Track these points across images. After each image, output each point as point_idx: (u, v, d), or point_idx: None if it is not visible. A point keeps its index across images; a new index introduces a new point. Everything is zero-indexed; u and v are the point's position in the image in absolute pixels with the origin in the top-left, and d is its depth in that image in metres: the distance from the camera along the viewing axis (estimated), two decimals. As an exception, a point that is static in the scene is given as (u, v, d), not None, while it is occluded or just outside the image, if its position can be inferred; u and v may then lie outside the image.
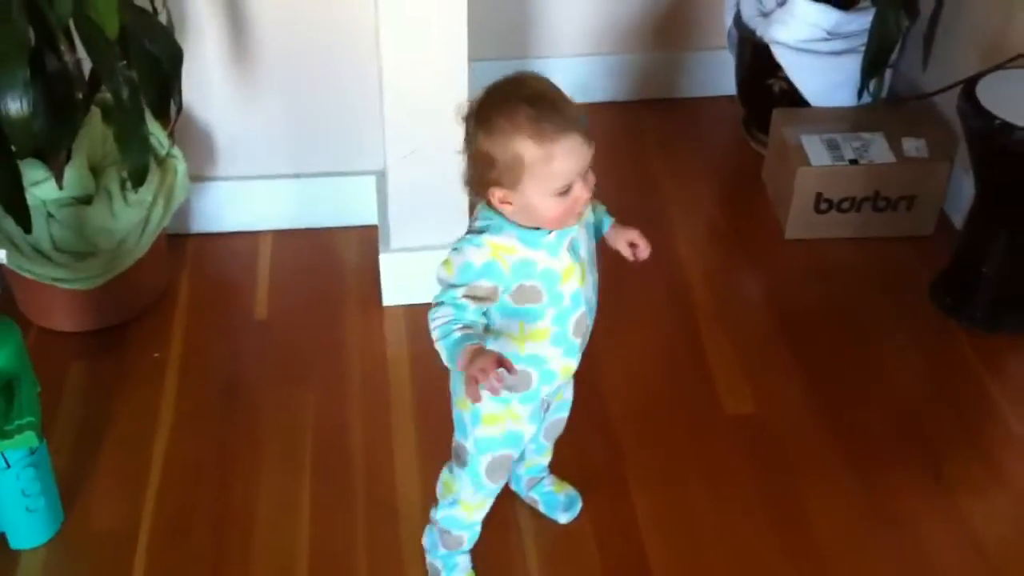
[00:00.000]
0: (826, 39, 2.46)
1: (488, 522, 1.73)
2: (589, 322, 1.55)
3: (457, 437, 1.63)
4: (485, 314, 1.48)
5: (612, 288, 2.23)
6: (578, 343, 1.54)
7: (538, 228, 1.43)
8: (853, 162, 2.37)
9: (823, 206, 2.41)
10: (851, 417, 2.03)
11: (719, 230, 2.51)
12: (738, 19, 2.61)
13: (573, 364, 1.57)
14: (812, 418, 2.03)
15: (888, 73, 2.55)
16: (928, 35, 2.49)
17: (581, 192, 1.39)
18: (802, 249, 2.43)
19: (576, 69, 2.80)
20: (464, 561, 1.75)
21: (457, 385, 1.59)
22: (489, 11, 2.61)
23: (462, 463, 1.64)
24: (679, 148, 2.72)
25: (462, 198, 2.13)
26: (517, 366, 1.47)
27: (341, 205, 2.42)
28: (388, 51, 1.99)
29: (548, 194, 1.37)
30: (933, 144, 2.41)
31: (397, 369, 2.11)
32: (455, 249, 1.44)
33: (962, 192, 2.37)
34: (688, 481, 1.92)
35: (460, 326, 1.40)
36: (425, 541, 1.77)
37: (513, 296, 1.46)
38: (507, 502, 1.85)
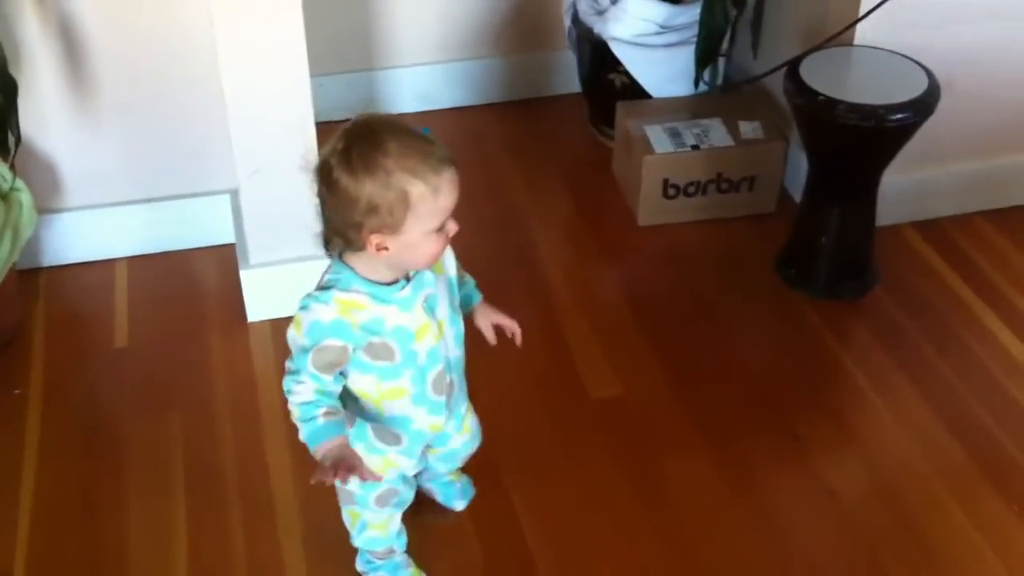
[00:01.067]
0: (660, 32, 2.56)
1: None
2: (451, 378, 1.54)
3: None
4: (343, 373, 1.45)
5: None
6: (442, 401, 1.53)
7: (391, 283, 1.42)
8: (695, 148, 2.47)
9: (671, 192, 2.50)
10: (708, 391, 2.12)
11: (574, 225, 2.58)
12: (576, 18, 2.69)
13: (439, 421, 1.56)
14: (672, 396, 2.11)
15: (721, 62, 2.66)
16: (755, 23, 2.61)
17: (452, 227, 1.39)
18: (655, 235, 2.52)
19: (420, 78, 2.84)
20: (403, 558, 1.75)
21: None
22: (329, 25, 2.64)
23: (350, 501, 1.64)
24: (527, 149, 2.78)
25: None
26: (385, 427, 1.50)
27: (196, 226, 2.41)
28: (228, 71, 2.00)
29: (430, 231, 1.35)
30: (768, 125, 2.53)
31: (267, 384, 2.11)
32: (302, 308, 1.41)
33: (799, 169, 2.49)
34: (559, 467, 1.97)
35: (323, 410, 1.40)
36: (360, 567, 1.75)
37: (366, 351, 1.44)
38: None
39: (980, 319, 2.29)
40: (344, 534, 1.73)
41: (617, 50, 2.58)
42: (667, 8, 2.55)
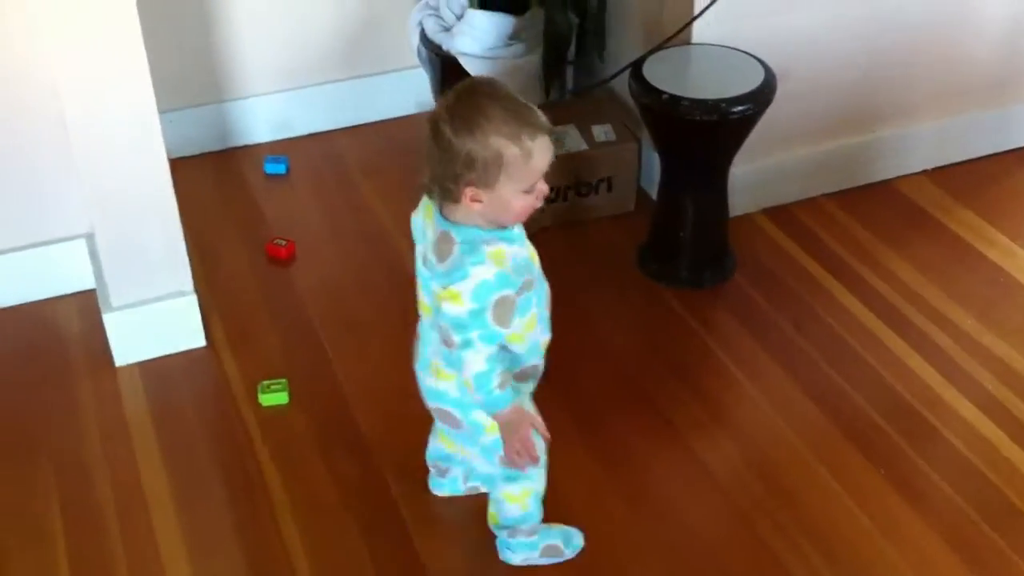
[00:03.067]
0: (507, 45, 2.61)
1: (249, 521, 1.81)
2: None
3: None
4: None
5: (346, 322, 2.32)
6: (548, 314, 1.63)
7: (502, 228, 1.50)
8: (551, 154, 2.53)
9: (531, 200, 2.55)
10: (579, 384, 2.16)
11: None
12: (424, 36, 2.72)
13: (549, 336, 1.65)
14: (548, 399, 2.13)
15: (570, 69, 2.74)
16: (598, 29, 2.69)
17: (543, 188, 1.49)
18: (520, 243, 2.56)
19: (274, 106, 2.84)
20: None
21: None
22: (175, 59, 2.61)
23: (530, 474, 1.68)
24: (387, 169, 2.79)
25: (176, 246, 2.14)
26: (521, 364, 1.59)
27: (53, 274, 2.34)
28: (73, 115, 1.96)
29: (520, 191, 1.45)
30: (619, 127, 2.60)
31: (140, 426, 2.07)
32: (460, 278, 1.45)
33: (653, 167, 2.57)
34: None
35: (497, 380, 1.50)
36: (514, 556, 1.79)
37: (521, 291, 1.52)
38: (274, 497, 1.86)
39: (832, 294, 2.40)
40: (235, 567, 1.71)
41: (467, 65, 2.63)
42: (512, 20, 2.60)
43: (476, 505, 1.89)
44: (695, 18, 2.30)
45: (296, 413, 2.10)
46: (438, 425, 1.75)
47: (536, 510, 1.76)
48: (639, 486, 1.97)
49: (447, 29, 2.66)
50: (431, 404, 1.68)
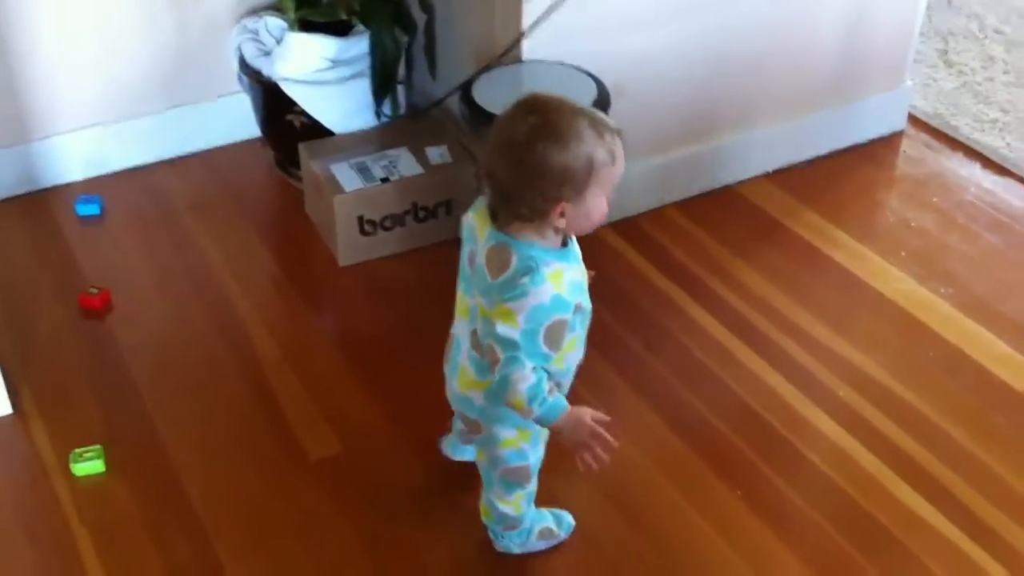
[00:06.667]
0: (331, 67, 2.47)
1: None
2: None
3: (515, 464, 1.66)
4: None
5: (170, 377, 2.15)
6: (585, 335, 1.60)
7: (562, 246, 1.47)
8: (385, 180, 2.40)
9: (367, 228, 2.42)
10: (436, 425, 2.05)
11: (273, 275, 2.45)
12: (243, 62, 2.56)
13: (582, 356, 1.63)
14: (399, 439, 2.03)
15: (401, 89, 2.61)
16: (428, 47, 2.57)
17: (611, 192, 1.46)
18: (358, 274, 2.43)
19: (87, 142, 2.63)
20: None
21: (504, 422, 1.60)
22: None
23: (528, 476, 1.69)
24: (214, 202, 2.63)
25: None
26: (561, 381, 1.58)
27: None
28: None
29: (604, 196, 1.43)
30: (455, 148, 2.49)
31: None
32: (518, 296, 1.41)
33: (493, 187, 2.47)
34: (285, 537, 1.84)
35: (548, 386, 1.46)
36: (512, 545, 1.79)
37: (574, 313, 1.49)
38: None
39: (682, 308, 2.34)
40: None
41: (290, 90, 2.48)
42: (335, 42, 2.46)
43: None
44: (523, 36, 2.21)
45: (116, 483, 1.93)
46: None
47: (528, 509, 1.76)
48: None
49: (267, 53, 2.51)
50: (457, 406, 1.68)
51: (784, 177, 2.74)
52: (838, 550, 1.84)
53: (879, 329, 2.30)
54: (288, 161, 2.65)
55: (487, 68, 2.22)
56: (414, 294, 2.38)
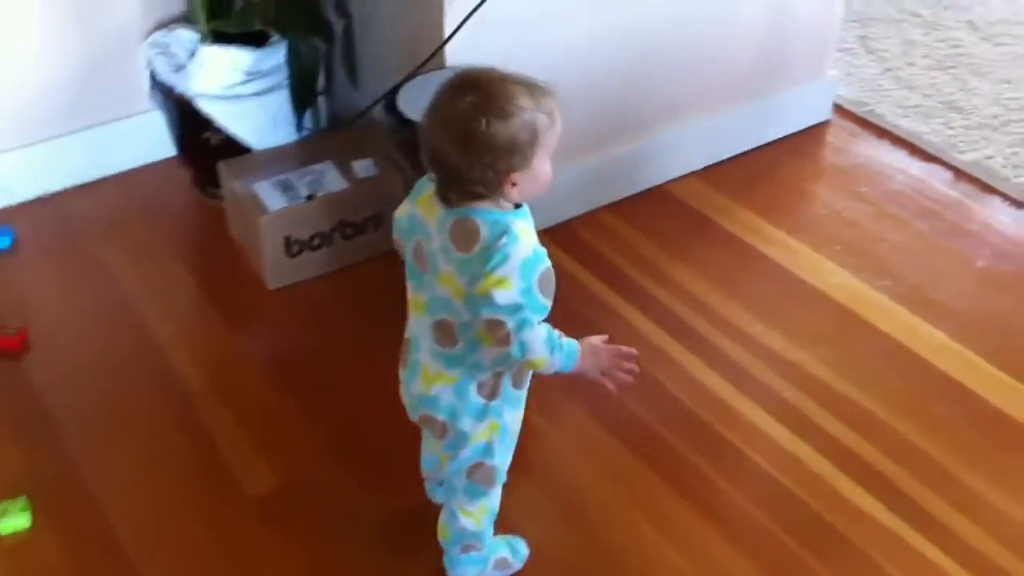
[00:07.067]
0: (248, 81, 2.39)
1: None
2: None
3: (480, 460, 1.61)
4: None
5: (94, 416, 2.05)
6: None
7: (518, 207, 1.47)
8: (310, 198, 2.33)
9: (295, 248, 2.34)
10: (374, 449, 1.99)
11: (197, 301, 2.36)
12: (155, 78, 2.46)
13: None
14: (336, 467, 1.96)
15: (323, 100, 2.54)
16: (347, 55, 2.50)
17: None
18: (288, 296, 2.35)
19: (-7, 170, 2.51)
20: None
21: (473, 415, 1.56)
22: None
23: (494, 480, 1.64)
24: (132, 226, 2.52)
25: None
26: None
27: None
28: None
29: (548, 158, 1.43)
30: (382, 160, 2.43)
31: None
32: (500, 261, 1.40)
33: (422, 198, 2.41)
34: (224, 578, 1.78)
35: (558, 332, 1.48)
36: (468, 573, 1.74)
37: None
38: None
39: (618, 312, 2.31)
40: None
41: (205, 107, 2.39)
42: (250, 54, 2.38)
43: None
44: (445, 42, 2.15)
45: (45, 537, 1.82)
46: (426, 435, 1.74)
47: (488, 528, 1.72)
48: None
49: (179, 69, 2.41)
50: (420, 413, 1.61)
51: (714, 173, 2.73)
52: (787, 551, 1.83)
53: (817, 325, 2.30)
54: (208, 181, 2.55)
55: (410, 77, 2.15)
56: (347, 314, 2.31)
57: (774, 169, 2.77)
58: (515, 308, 1.42)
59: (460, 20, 2.13)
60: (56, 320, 2.26)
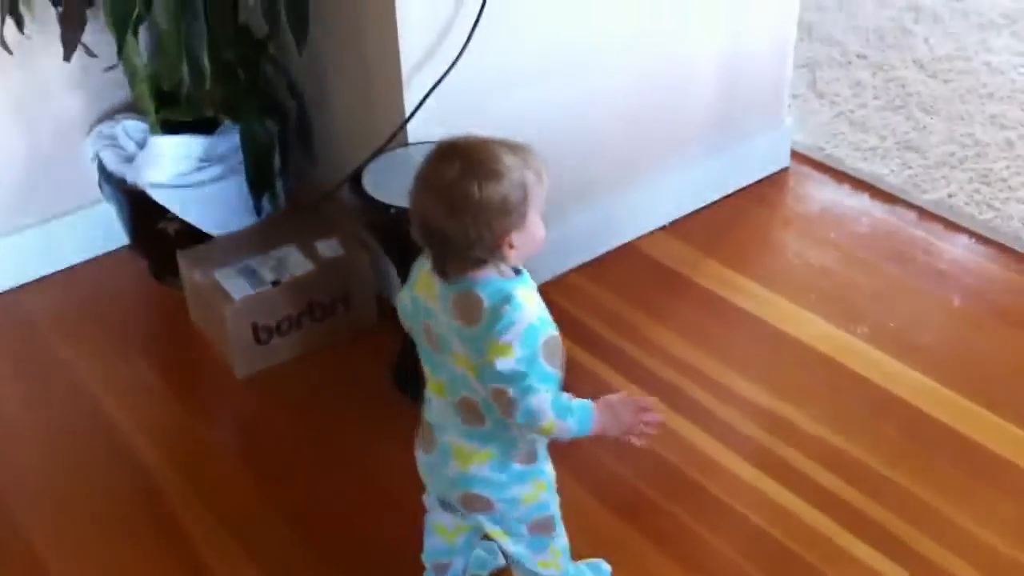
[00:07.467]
0: (201, 167, 2.32)
1: None
2: None
3: (536, 515, 1.58)
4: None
5: (61, 523, 1.95)
6: None
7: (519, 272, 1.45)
8: (276, 283, 2.25)
9: (263, 336, 2.26)
10: (359, 546, 1.91)
11: (164, 396, 2.26)
12: (104, 170, 2.38)
13: None
14: (316, 561, 1.88)
15: (280, 181, 2.47)
16: (303, 134, 2.45)
17: None
18: (259, 385, 2.27)
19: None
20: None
21: (517, 480, 1.54)
22: None
23: (553, 525, 1.62)
24: (86, 321, 2.43)
25: None
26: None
27: None
28: None
29: (539, 215, 1.41)
30: (347, 239, 2.36)
31: None
32: (503, 329, 1.37)
33: (391, 273, 2.35)
34: None
35: (566, 396, 1.43)
36: None
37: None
38: None
39: (594, 372, 2.26)
40: None
41: (159, 196, 2.31)
42: (202, 140, 2.32)
43: None
44: (408, 119, 2.10)
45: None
46: (436, 520, 1.69)
47: (568, 562, 1.69)
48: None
49: (129, 159, 2.34)
50: (459, 493, 1.55)
51: (681, 227, 2.71)
52: None
53: (801, 377, 2.26)
54: (165, 270, 2.47)
55: (373, 157, 2.10)
56: (323, 399, 2.24)
57: (740, 219, 2.76)
58: (517, 376, 1.39)
59: (420, 97, 2.09)
60: (14, 425, 2.17)
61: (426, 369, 1.54)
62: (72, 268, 2.58)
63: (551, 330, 1.42)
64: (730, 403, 2.19)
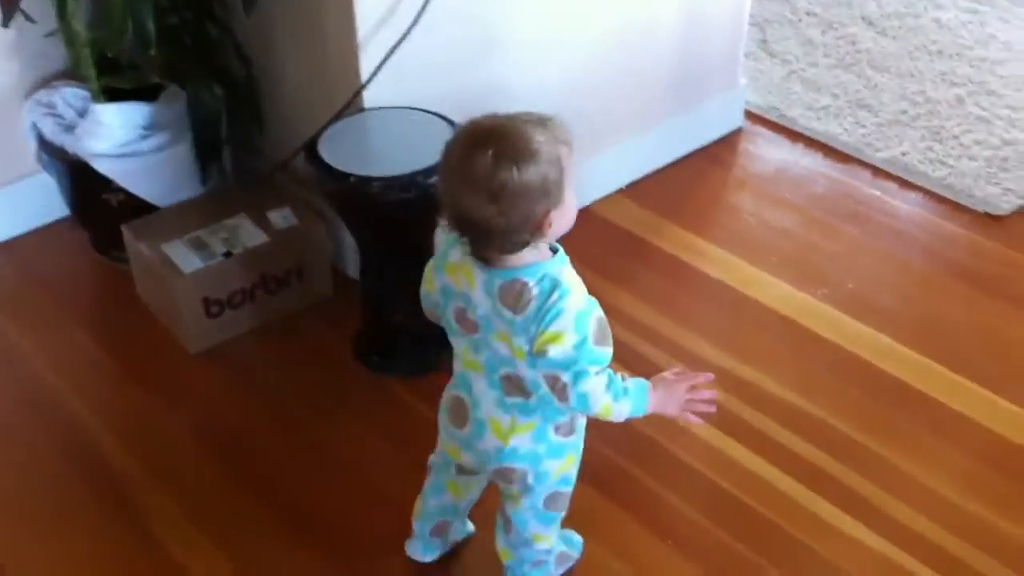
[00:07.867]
0: (145, 136, 2.23)
1: None
2: None
3: (557, 489, 1.59)
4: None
5: (17, 521, 1.87)
6: None
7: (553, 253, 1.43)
8: (227, 255, 2.18)
9: (215, 309, 2.19)
10: (327, 519, 1.87)
11: (114, 376, 2.18)
12: (42, 139, 2.27)
13: None
14: (297, 550, 1.83)
15: (227, 150, 2.38)
16: (251, 101, 2.36)
17: None
18: (213, 360, 2.20)
19: None
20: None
21: (558, 454, 1.53)
22: None
23: (567, 504, 1.63)
24: (26, 297, 2.33)
25: None
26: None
27: None
28: None
29: (573, 189, 1.38)
30: (300, 208, 2.29)
31: None
32: (554, 318, 1.36)
33: (347, 243, 2.29)
34: None
35: (619, 377, 1.43)
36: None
37: None
38: None
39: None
40: None
41: (102, 167, 2.21)
42: (146, 107, 2.22)
43: None
44: (364, 85, 2.03)
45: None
46: (448, 479, 1.67)
47: (557, 541, 1.71)
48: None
49: (69, 129, 2.23)
50: (495, 467, 1.54)
51: (638, 190, 2.68)
52: (732, 553, 1.83)
53: (762, 339, 2.26)
54: (109, 243, 2.37)
55: (330, 123, 2.03)
56: (281, 373, 2.18)
57: (697, 181, 2.73)
58: (569, 362, 1.39)
59: (377, 62, 2.02)
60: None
61: (460, 348, 1.52)
62: (11, 240, 2.47)
63: (597, 310, 1.41)
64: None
